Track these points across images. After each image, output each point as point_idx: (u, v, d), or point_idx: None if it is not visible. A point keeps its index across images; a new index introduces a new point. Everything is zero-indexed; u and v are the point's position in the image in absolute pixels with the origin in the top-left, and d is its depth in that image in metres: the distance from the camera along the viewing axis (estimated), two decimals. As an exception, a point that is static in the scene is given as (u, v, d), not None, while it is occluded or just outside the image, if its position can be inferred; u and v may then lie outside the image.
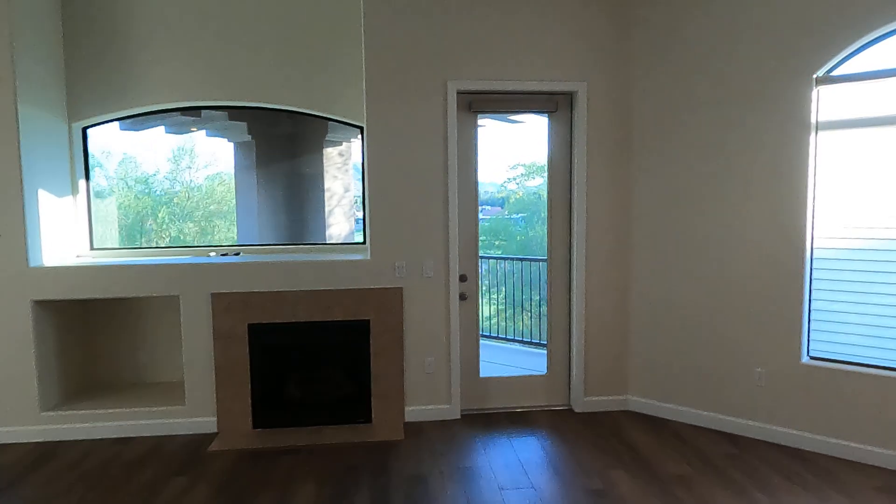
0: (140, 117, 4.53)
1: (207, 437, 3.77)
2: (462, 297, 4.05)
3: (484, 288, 6.65)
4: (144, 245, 5.01)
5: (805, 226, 3.39)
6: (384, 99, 3.80)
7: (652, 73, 3.89)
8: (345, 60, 4.10)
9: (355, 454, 3.49)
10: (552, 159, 4.10)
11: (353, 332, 3.92)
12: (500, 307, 6.77)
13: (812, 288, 3.44)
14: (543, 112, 4.06)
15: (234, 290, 3.79)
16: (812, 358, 3.47)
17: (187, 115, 4.93)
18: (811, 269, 3.43)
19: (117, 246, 4.59)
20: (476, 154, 4.04)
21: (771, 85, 3.43)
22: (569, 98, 4.04)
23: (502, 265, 6.75)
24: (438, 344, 4.00)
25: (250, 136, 5.09)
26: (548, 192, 4.11)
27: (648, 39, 3.89)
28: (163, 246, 4.63)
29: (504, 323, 6.73)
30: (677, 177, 3.82)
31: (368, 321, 3.91)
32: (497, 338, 6.58)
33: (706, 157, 3.69)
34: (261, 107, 4.30)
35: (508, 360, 5.92)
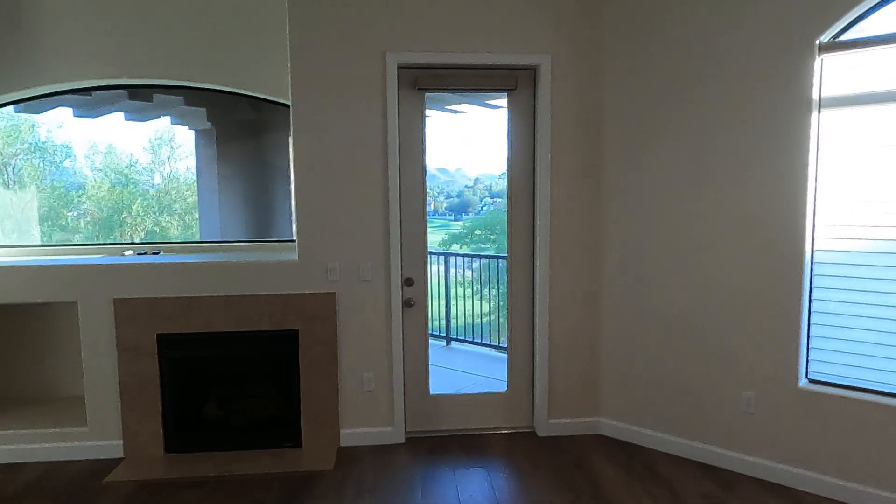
0: (92, 101, 4.12)
1: (110, 464, 3.29)
2: (408, 303, 3.52)
3: (445, 287, 6.12)
4: (92, 242, 4.56)
5: (805, 224, 2.82)
6: (313, 73, 3.27)
7: (628, 44, 3.31)
8: (275, 32, 3.56)
9: (269, 489, 2.99)
10: (512, 144, 3.54)
11: (280, 344, 3.40)
12: (475, 308, 6.25)
13: (812, 298, 2.87)
14: (501, 91, 3.51)
15: (141, 296, 3.29)
16: (811, 381, 2.90)
17: (140, 101, 4.46)
18: (811, 275, 2.86)
19: (36, 243, 4.11)
20: (423, 138, 3.49)
21: (767, 54, 2.85)
22: (531, 74, 3.48)
23: (485, 263, 6.21)
24: (379, 358, 3.48)
25: (210, 124, 4.62)
26: (508, 181, 3.56)
27: (624, 5, 3.31)
28: (81, 244, 4.13)
29: (483, 325, 6.21)
30: (658, 166, 3.26)
31: (297, 332, 3.39)
32: (471, 342, 6.06)
33: (691, 143, 3.13)
34: (188, 86, 3.79)
35: (478, 367, 5.39)
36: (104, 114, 4.74)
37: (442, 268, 6.24)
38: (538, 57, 3.38)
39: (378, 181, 3.36)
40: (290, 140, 3.31)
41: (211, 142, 4.73)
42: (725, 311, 3.07)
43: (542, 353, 3.56)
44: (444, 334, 6.17)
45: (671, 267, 3.25)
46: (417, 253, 3.53)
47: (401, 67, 3.38)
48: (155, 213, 5.79)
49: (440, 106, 5.99)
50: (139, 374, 3.33)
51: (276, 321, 3.37)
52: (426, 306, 3.59)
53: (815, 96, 2.76)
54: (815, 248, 2.84)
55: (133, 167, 5.60)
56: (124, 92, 4.28)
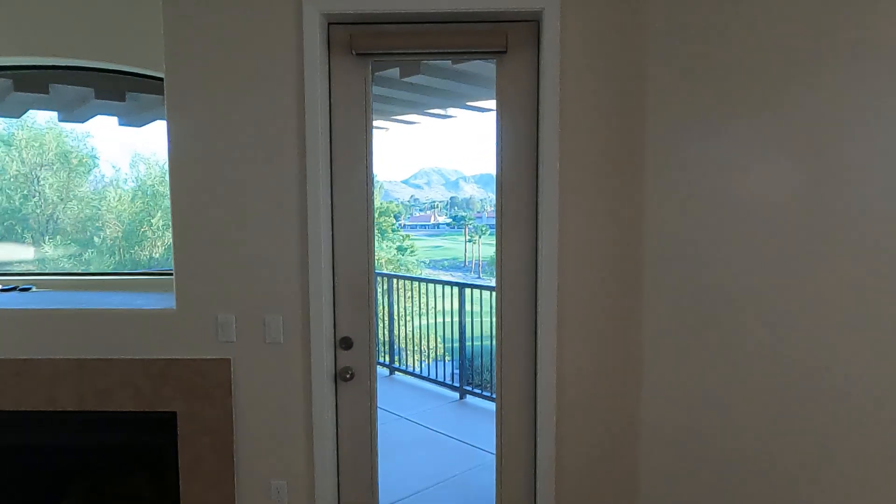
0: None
1: (-82, 592, 2.32)
2: (344, 375, 2.34)
3: (460, 327, 4.86)
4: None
5: None
6: (195, 35, 2.19)
7: (684, -31, 2.02)
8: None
9: None
10: (504, 137, 2.31)
11: (151, 431, 2.33)
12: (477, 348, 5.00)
13: None
14: (484, 55, 2.30)
15: (-35, 355, 2.32)
16: None
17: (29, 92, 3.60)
18: None
19: None
20: (368, 128, 2.33)
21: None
22: (530, 29, 2.24)
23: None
24: (295, 459, 2.33)
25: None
26: (497, 192, 2.32)
27: None
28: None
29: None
30: (728, 169, 1.93)
31: (174, 414, 2.30)
32: (474, 393, 4.79)
33: (778, 128, 1.78)
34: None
35: (478, 433, 4.12)
36: (149, 122, 3.95)
37: (456, 302, 5.03)
38: (540, 1, 2.14)
39: (293, 193, 2.23)
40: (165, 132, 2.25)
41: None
42: (845, 424, 1.68)
43: (547, 465, 2.28)
44: (458, 384, 4.94)
45: (753, 335, 1.89)
46: (359, 298, 2.36)
47: (331, 23, 2.24)
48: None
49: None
50: (-39, 466, 2.36)
51: (146, 398, 2.29)
52: (371, 378, 2.40)
53: None
54: None
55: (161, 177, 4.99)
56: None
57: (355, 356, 2.38)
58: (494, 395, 4.68)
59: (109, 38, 2.60)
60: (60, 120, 4.66)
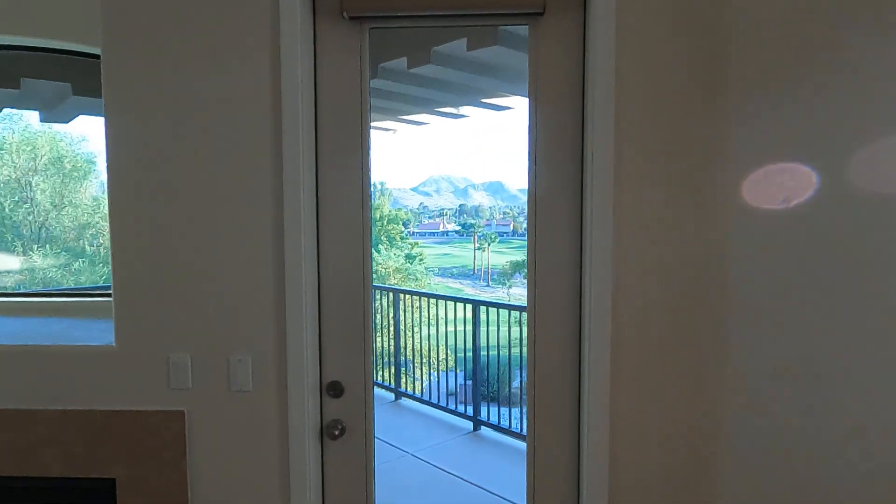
0: None
1: None
2: (332, 430, 1.82)
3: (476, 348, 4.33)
4: None
5: None
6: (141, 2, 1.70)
7: None
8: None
9: None
10: (538, 121, 1.78)
11: (83, 503, 1.82)
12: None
13: None
14: (516, 17, 1.78)
15: None
16: None
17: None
18: None
19: None
20: (365, 117, 1.82)
21: None
22: (576, -17, 1.73)
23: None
24: (269, 538, 1.81)
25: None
26: (530, 195, 1.80)
27: None
28: None
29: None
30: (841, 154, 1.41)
31: (113, 482, 1.79)
32: (490, 424, 4.25)
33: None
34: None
35: (496, 475, 3.58)
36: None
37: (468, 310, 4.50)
38: (590, -56, 1.63)
39: (265, 201, 1.72)
40: (104, 119, 1.75)
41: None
42: None
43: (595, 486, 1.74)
44: (472, 413, 4.41)
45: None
46: (352, 331, 1.84)
47: (315, -22, 1.74)
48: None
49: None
50: None
51: (78, 460, 1.79)
52: (367, 434, 1.88)
53: None
54: None
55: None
56: None
57: (347, 406, 1.86)
58: (510, 426, 4.17)
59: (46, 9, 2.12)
60: (42, 121, 4.28)
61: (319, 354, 1.83)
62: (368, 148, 1.82)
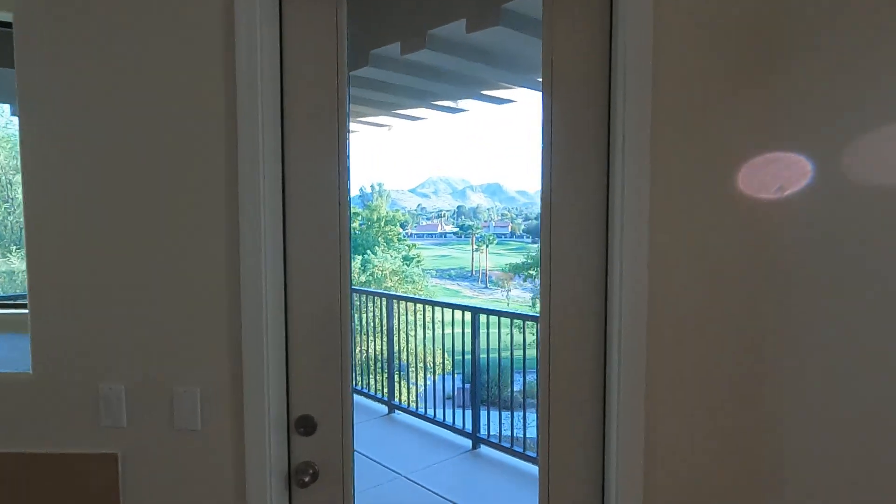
0: None
1: None
2: (302, 477, 1.48)
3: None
4: None
5: None
6: (64, -63, 1.37)
7: None
8: None
9: None
10: (554, 109, 1.45)
11: (-6, 565, 1.49)
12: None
13: None
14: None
15: None
16: None
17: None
18: None
19: None
20: (343, 97, 1.49)
21: None
22: (601, -73, 1.40)
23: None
24: None
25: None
26: (544, 185, 1.46)
27: None
28: None
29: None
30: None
31: (31, 541, 1.46)
32: (490, 443, 3.91)
33: None
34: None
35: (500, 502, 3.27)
36: None
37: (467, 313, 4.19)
38: None
39: (218, 199, 1.39)
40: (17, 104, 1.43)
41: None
42: None
43: None
44: (471, 430, 4.08)
45: None
46: (326, 353, 1.51)
47: (279, -80, 1.41)
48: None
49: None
50: None
51: (-12, 514, 1.46)
52: (346, 477, 1.54)
53: None
54: None
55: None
56: None
57: (320, 445, 1.52)
58: (511, 444, 3.84)
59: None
60: (13, 114, 4.02)
61: (287, 383, 1.50)
62: (347, 134, 1.49)
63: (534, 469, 3.65)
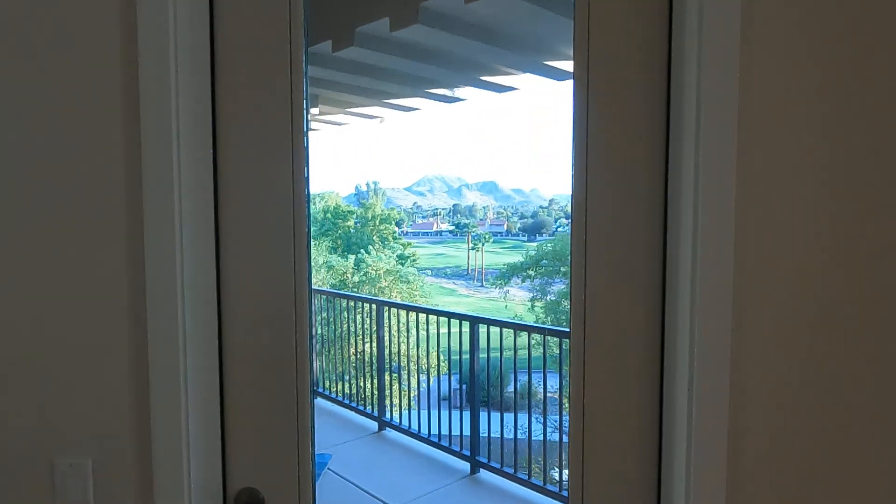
0: None
1: None
2: (243, 570, 1.08)
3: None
4: None
5: None
6: None
7: None
8: None
9: None
10: (591, 91, 1.04)
11: None
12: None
13: None
14: None
15: None
16: None
17: None
18: None
19: None
20: (297, 67, 1.07)
21: None
22: None
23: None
24: None
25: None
26: (576, 183, 1.06)
27: None
28: None
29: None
30: None
31: None
32: (491, 468, 3.51)
33: None
34: None
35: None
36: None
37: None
38: None
39: (116, 204, 0.98)
40: None
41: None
42: None
43: None
44: (469, 453, 3.68)
45: None
46: (278, 405, 1.10)
47: None
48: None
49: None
50: None
51: None
52: (307, 575, 1.14)
53: None
54: None
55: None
56: None
57: (269, 528, 1.11)
58: (515, 471, 3.43)
59: None
60: None
61: (222, 447, 1.09)
62: (306, 118, 1.09)
63: (540, 499, 3.26)
